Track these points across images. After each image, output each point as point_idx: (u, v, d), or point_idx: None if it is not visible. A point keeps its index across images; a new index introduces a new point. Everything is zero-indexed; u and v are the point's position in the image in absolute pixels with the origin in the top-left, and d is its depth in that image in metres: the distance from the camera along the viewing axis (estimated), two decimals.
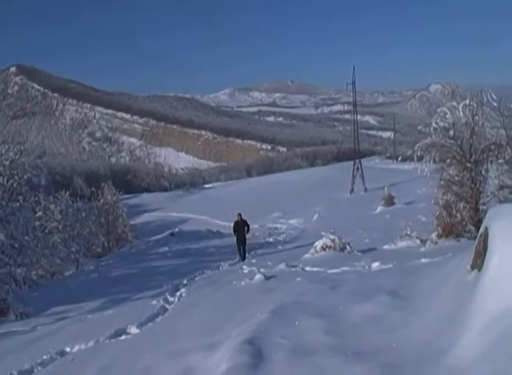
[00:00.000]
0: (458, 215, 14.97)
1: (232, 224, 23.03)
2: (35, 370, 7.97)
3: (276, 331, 6.21)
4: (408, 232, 16.63)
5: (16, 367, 7.99)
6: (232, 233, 22.50)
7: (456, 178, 15.06)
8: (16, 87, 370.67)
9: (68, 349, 8.86)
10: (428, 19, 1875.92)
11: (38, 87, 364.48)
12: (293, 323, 6.54)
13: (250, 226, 23.17)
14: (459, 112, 14.92)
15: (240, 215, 22.29)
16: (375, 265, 11.35)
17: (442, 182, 15.42)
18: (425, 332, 5.28)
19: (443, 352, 4.56)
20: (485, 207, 14.50)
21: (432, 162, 15.45)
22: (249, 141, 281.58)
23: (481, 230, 5.46)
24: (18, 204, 18.26)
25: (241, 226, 21.92)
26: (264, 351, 5.56)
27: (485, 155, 14.81)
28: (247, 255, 22.18)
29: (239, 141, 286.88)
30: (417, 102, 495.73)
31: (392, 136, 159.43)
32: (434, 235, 15.12)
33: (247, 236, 22.31)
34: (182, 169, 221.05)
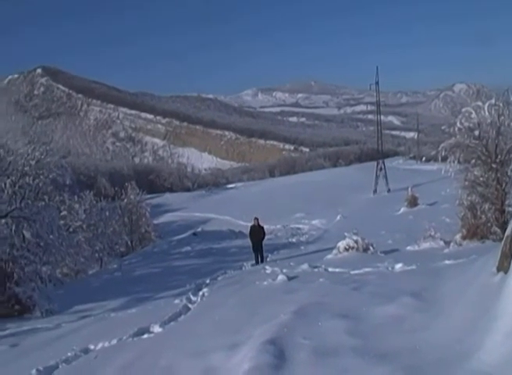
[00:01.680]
0: (483, 216, 14.80)
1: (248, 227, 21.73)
2: (60, 366, 8.05)
3: (299, 332, 6.20)
4: (432, 233, 16.47)
5: (42, 363, 8.09)
6: (249, 237, 21.09)
7: (481, 179, 14.89)
8: (41, 89, 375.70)
9: (91, 347, 8.94)
10: (452, 18, 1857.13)
11: (63, 88, 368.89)
12: (315, 323, 6.53)
13: (273, 227, 22.74)
14: (484, 112, 14.74)
15: (256, 219, 21.02)
16: (398, 266, 11.26)
17: (466, 183, 15.24)
18: (449, 334, 5.23)
19: (468, 355, 4.52)
20: (511, 208, 14.33)
21: (456, 162, 15.28)
22: (272, 142, 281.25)
23: (508, 231, 5.39)
24: (43, 203, 18.46)
25: (258, 232, 20.62)
26: (286, 352, 5.56)
27: (511, 155, 14.62)
28: (269, 255, 22.10)
29: (261, 142, 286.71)
30: (441, 102, 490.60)
31: (415, 136, 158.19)
32: (458, 236, 14.96)
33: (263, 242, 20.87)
34: (205, 169, 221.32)
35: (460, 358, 4.59)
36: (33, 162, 19.07)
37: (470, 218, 14.97)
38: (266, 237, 21.65)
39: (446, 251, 14.03)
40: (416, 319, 6.13)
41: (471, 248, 13.38)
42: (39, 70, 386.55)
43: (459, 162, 15.28)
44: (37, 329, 12.44)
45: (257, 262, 19.88)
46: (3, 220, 16.16)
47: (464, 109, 15.58)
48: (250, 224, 21.36)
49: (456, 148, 15.28)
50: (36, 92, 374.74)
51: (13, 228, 16.30)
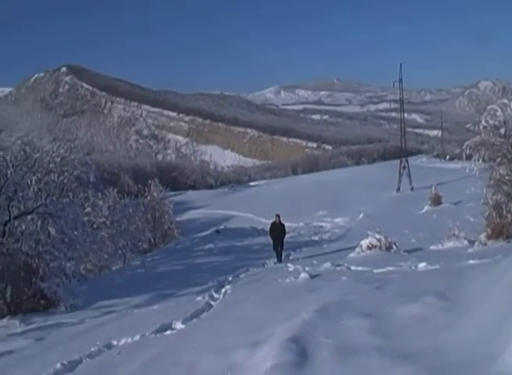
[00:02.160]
0: (509, 215, 14.61)
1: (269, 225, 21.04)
2: (84, 361, 8.16)
3: (321, 330, 6.20)
4: (456, 232, 16.30)
5: (66, 357, 8.21)
6: (269, 235, 20.58)
7: (507, 177, 14.71)
8: (66, 87, 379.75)
9: (115, 342, 9.05)
10: (477, 13, 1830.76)
11: (87, 86, 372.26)
12: (338, 322, 6.52)
13: (296, 225, 22.47)
14: (510, 110, 14.57)
15: (278, 216, 20.41)
16: (422, 265, 11.19)
17: (491, 181, 15.07)
18: (474, 335, 5.18)
19: (493, 357, 4.47)
20: None
21: (481, 161, 15.12)
22: (294, 139, 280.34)
23: None
24: (68, 199, 18.66)
25: (278, 229, 20.00)
26: (308, 350, 5.56)
27: None
28: (292, 253, 22.08)
29: (284, 139, 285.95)
30: (466, 100, 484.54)
31: (439, 134, 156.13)
32: (483, 236, 14.80)
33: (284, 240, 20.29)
34: (227, 166, 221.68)
35: (484, 359, 4.54)
36: (58, 159, 19.32)
37: (495, 217, 14.80)
38: (288, 235, 21.48)
39: (471, 250, 13.89)
40: (440, 319, 6.08)
41: (496, 247, 13.23)
42: (64, 69, 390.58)
43: (484, 160, 15.12)
44: (62, 323, 12.60)
45: (279, 261, 19.45)
46: (29, 216, 16.37)
47: (489, 107, 15.42)
48: (272, 222, 21.10)
49: (481, 147, 15.12)
50: (61, 90, 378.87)
51: (39, 224, 16.49)
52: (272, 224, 20.52)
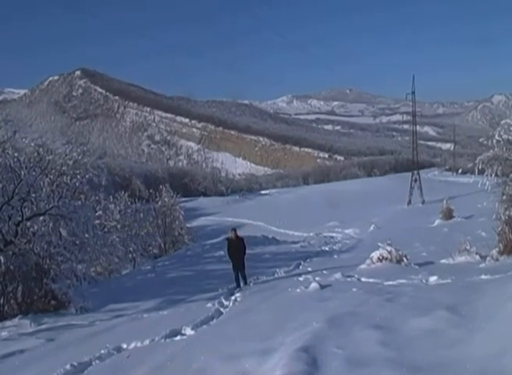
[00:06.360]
0: None
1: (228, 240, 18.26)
2: (93, 363, 8.23)
3: (332, 341, 6.20)
4: (467, 247, 16.17)
5: (77, 359, 8.28)
6: (227, 255, 17.48)
7: None
8: (80, 90, 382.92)
9: (124, 346, 9.09)
10: (491, 27, 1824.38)
11: (101, 90, 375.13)
12: (348, 333, 6.52)
13: (306, 235, 21.79)
14: None
15: (234, 230, 17.69)
16: (433, 279, 11.15)
17: (504, 197, 15.00)
18: (485, 351, 5.16)
19: (504, 374, 4.47)
20: None
21: (493, 175, 15.05)
22: (306, 149, 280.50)
23: None
24: (80, 202, 18.79)
25: (237, 246, 16.98)
26: (319, 360, 5.56)
27: None
28: (302, 262, 22.02)
29: (296, 149, 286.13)
30: (479, 114, 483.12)
31: (451, 148, 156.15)
32: (495, 251, 14.70)
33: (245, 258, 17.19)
34: (239, 174, 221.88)
35: None
36: (70, 162, 19.49)
37: (507, 233, 14.70)
38: (299, 245, 21.20)
39: (482, 265, 13.80)
40: (451, 334, 6.06)
41: (508, 263, 13.13)
42: (78, 72, 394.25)
43: (496, 175, 15.05)
44: (72, 325, 12.68)
45: (238, 285, 16.30)
46: (41, 218, 16.49)
47: (503, 121, 15.45)
48: (283, 231, 20.97)
49: (494, 161, 15.07)
50: (74, 94, 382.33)
51: (51, 225, 16.60)
52: (228, 241, 17.80)
